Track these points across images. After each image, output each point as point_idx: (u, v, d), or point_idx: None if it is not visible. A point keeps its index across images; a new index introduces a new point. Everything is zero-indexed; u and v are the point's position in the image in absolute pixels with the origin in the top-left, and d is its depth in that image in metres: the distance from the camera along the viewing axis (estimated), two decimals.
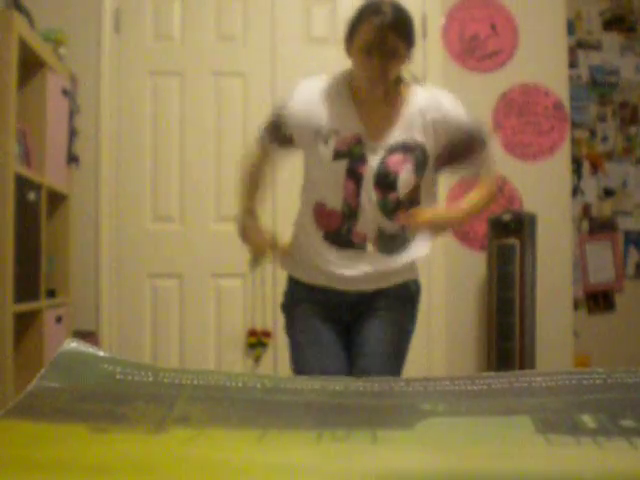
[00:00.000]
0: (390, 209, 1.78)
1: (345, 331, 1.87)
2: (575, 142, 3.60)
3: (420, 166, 1.78)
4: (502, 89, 3.39)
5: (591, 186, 3.71)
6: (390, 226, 1.79)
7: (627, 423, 0.29)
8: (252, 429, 0.29)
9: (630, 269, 3.73)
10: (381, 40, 1.66)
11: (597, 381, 0.33)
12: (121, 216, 3.19)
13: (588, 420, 0.29)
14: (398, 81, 1.82)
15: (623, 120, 3.76)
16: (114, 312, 3.17)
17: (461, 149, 1.82)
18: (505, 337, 3.00)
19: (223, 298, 3.21)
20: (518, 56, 3.40)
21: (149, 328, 3.19)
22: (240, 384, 0.34)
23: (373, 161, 1.75)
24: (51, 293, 2.84)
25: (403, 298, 1.85)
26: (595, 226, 3.71)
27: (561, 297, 3.33)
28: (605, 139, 3.74)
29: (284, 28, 3.27)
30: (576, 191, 3.65)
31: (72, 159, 3.05)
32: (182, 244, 3.20)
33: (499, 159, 3.34)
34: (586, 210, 3.70)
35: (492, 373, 0.35)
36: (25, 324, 2.62)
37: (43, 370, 0.34)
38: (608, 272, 3.71)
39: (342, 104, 1.81)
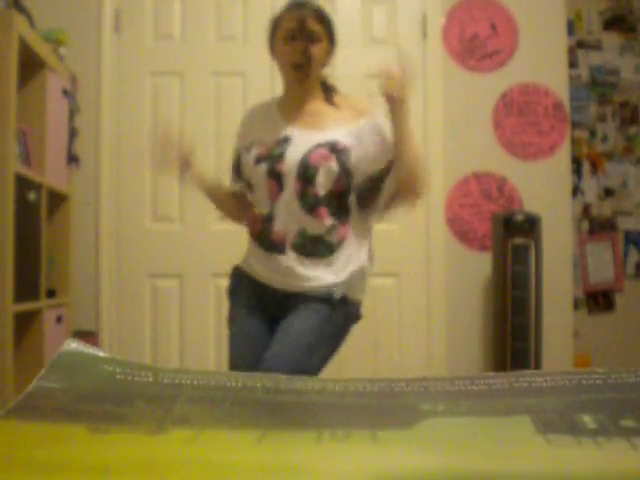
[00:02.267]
0: (309, 204, 1.78)
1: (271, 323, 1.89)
2: (575, 142, 3.60)
3: (345, 172, 1.78)
4: (502, 89, 3.39)
5: (591, 186, 3.71)
6: (312, 226, 1.78)
7: (627, 423, 0.29)
8: (252, 429, 0.29)
9: (630, 269, 3.73)
10: (301, 24, 1.80)
11: (597, 381, 0.33)
12: (121, 216, 3.19)
13: (588, 420, 0.29)
14: (330, 86, 1.93)
15: (623, 120, 3.76)
16: (114, 312, 3.17)
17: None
18: (519, 337, 3.02)
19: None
20: (518, 56, 3.40)
21: (149, 328, 3.19)
22: (240, 384, 0.34)
23: (296, 155, 1.78)
24: (51, 293, 2.84)
25: (324, 300, 1.80)
26: (595, 226, 3.71)
27: (561, 297, 3.33)
28: (605, 139, 3.74)
29: None
30: (576, 191, 3.65)
31: (72, 159, 3.05)
32: (182, 244, 3.20)
33: (499, 159, 3.35)
34: (586, 210, 3.70)
35: (492, 373, 0.35)
36: (25, 324, 2.62)
37: (43, 370, 0.34)
38: (608, 272, 3.71)
39: (270, 115, 1.91)
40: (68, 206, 3.04)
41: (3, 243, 2.31)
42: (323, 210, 1.79)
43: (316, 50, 1.81)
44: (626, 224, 3.73)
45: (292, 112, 1.87)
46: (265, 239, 1.82)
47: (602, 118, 3.74)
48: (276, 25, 1.89)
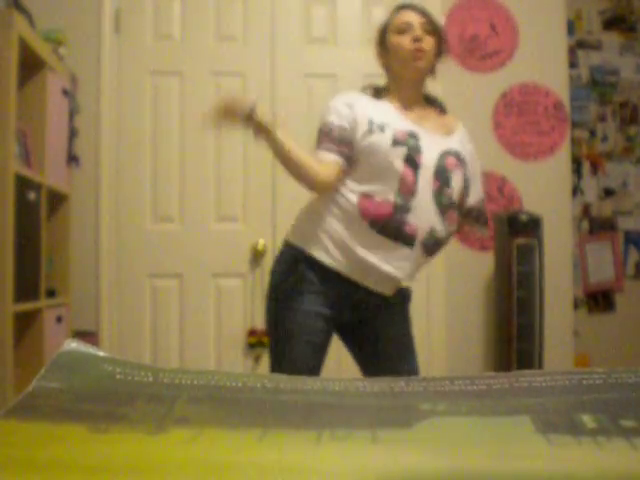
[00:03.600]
0: (444, 204, 1.76)
1: (336, 329, 1.86)
2: (575, 142, 3.60)
3: (466, 181, 1.83)
4: (502, 89, 3.39)
5: (591, 186, 3.71)
6: (441, 228, 1.77)
7: (627, 423, 0.29)
8: (252, 429, 0.29)
9: (630, 269, 3.73)
10: (412, 17, 1.83)
11: (597, 381, 0.33)
12: (121, 216, 3.19)
13: (588, 420, 0.29)
14: (436, 101, 1.94)
15: (623, 120, 3.76)
16: (114, 312, 3.17)
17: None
18: (524, 337, 3.02)
19: (223, 298, 3.21)
20: (518, 56, 3.40)
21: (149, 328, 3.19)
22: (240, 384, 0.34)
23: (431, 153, 1.76)
24: (51, 293, 2.84)
25: (407, 300, 1.90)
26: (595, 226, 3.71)
27: (561, 297, 3.33)
28: (605, 139, 3.74)
29: (284, 28, 3.27)
30: (576, 191, 3.65)
31: (72, 159, 3.05)
32: (182, 244, 3.20)
33: (499, 159, 3.35)
34: (586, 210, 3.70)
35: (492, 373, 0.35)
36: (25, 324, 2.62)
37: (43, 370, 0.34)
38: (608, 272, 3.71)
39: (383, 107, 1.85)
40: (68, 206, 3.04)
41: (3, 243, 2.31)
42: (454, 214, 1.80)
43: (428, 43, 1.83)
44: (626, 224, 3.73)
45: (406, 110, 1.85)
46: (395, 229, 1.73)
47: (602, 118, 3.74)
48: (387, 23, 1.90)
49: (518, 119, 3.40)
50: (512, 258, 3.05)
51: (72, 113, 3.03)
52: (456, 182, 1.78)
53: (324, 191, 1.79)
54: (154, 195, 3.22)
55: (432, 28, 1.84)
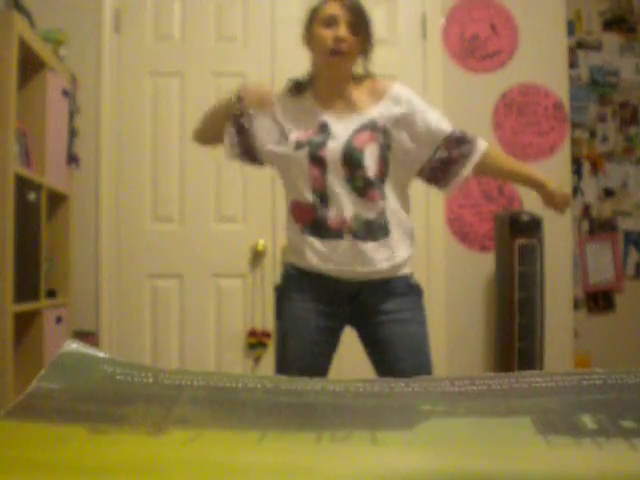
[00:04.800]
0: (360, 187, 1.78)
1: (341, 327, 1.86)
2: (575, 142, 3.60)
3: (385, 148, 1.81)
4: (502, 89, 3.39)
5: (591, 186, 3.71)
6: (366, 209, 1.78)
7: (627, 424, 0.29)
8: (252, 430, 0.29)
9: (630, 269, 3.73)
10: (339, 12, 1.81)
11: (597, 381, 0.33)
12: (121, 216, 3.19)
13: (588, 421, 0.29)
14: (363, 75, 1.92)
15: (623, 120, 3.76)
16: (114, 312, 3.17)
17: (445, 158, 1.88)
18: (525, 338, 3.02)
19: (223, 298, 3.21)
20: (518, 56, 3.40)
21: (149, 328, 3.19)
22: (240, 385, 0.34)
23: (338, 141, 1.78)
24: (51, 293, 2.84)
25: (406, 293, 1.85)
26: (595, 226, 3.71)
27: (561, 297, 3.33)
28: (605, 139, 3.74)
29: (284, 28, 3.26)
30: (576, 191, 3.65)
31: (72, 159, 3.05)
32: (182, 244, 3.20)
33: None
34: (586, 210, 3.70)
35: (492, 374, 0.35)
36: (25, 324, 2.62)
37: (43, 371, 0.34)
38: (608, 272, 3.71)
39: (304, 103, 1.88)
40: (68, 206, 3.04)
41: (3, 243, 2.31)
42: (374, 192, 1.79)
43: (352, 39, 1.82)
44: (626, 224, 3.73)
45: (326, 98, 1.87)
46: (321, 227, 1.78)
47: (602, 118, 3.74)
48: (315, 11, 1.88)
49: (518, 119, 3.40)
50: (513, 258, 3.06)
51: (72, 113, 3.03)
52: (370, 157, 1.78)
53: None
54: (154, 195, 3.22)
55: (358, 26, 1.83)
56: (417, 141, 1.84)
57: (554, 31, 3.43)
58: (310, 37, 1.89)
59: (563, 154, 3.42)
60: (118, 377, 0.34)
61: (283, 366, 1.84)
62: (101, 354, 0.37)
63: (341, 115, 1.83)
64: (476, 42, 3.40)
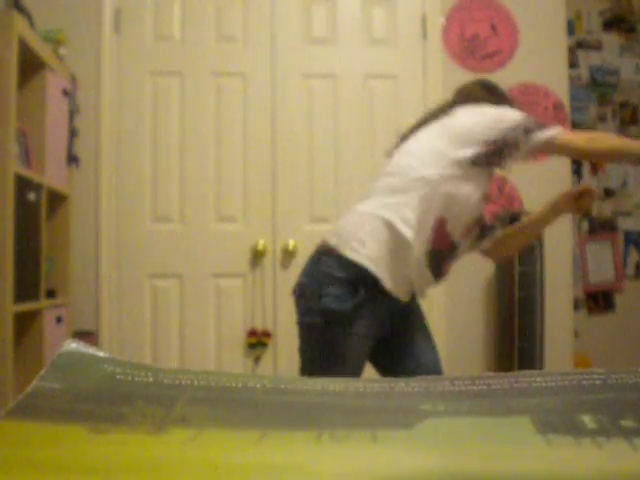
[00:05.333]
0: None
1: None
2: None
3: None
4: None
5: (591, 186, 3.71)
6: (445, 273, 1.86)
7: (627, 423, 0.29)
8: (252, 430, 0.29)
9: (630, 269, 3.73)
10: None
11: (597, 381, 0.33)
12: (121, 216, 3.19)
13: (588, 420, 0.29)
14: None
15: (623, 120, 3.76)
16: (114, 312, 3.17)
17: None
18: (526, 338, 3.03)
19: (223, 298, 3.21)
20: (518, 56, 3.40)
21: (149, 328, 3.19)
22: (240, 385, 0.34)
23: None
24: (51, 293, 2.84)
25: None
26: (595, 226, 3.71)
27: (561, 297, 3.33)
28: None
29: (284, 28, 3.27)
30: None
31: (72, 159, 3.05)
32: (182, 244, 3.20)
33: None
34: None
35: (492, 373, 0.35)
36: (25, 324, 2.62)
37: (43, 371, 0.34)
38: (608, 272, 3.71)
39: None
40: (68, 206, 3.04)
41: (3, 243, 2.31)
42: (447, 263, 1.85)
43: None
44: (626, 224, 3.73)
45: None
46: (438, 261, 1.77)
47: (602, 118, 3.74)
48: None
49: None
50: (513, 258, 3.06)
51: (72, 113, 3.03)
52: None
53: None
54: (154, 195, 3.22)
55: None
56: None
57: (554, 31, 3.43)
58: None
59: None
60: (118, 376, 0.34)
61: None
62: (101, 353, 0.37)
63: None
64: (476, 42, 3.40)
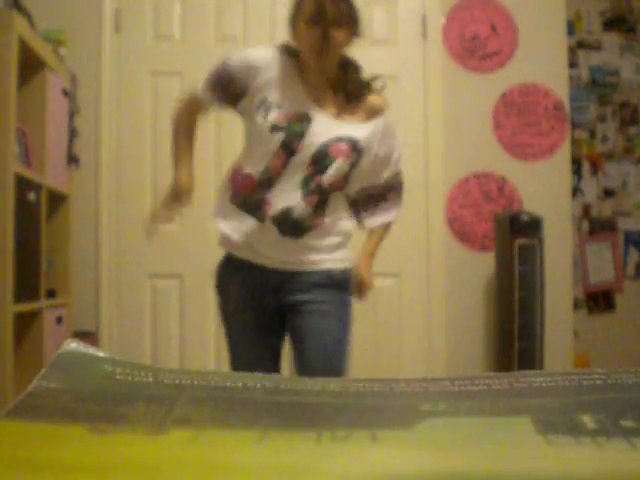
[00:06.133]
0: (309, 190, 1.76)
1: (273, 319, 1.84)
2: (575, 142, 3.60)
3: (351, 172, 1.80)
4: (502, 89, 3.39)
5: (591, 186, 3.71)
6: (300, 211, 1.75)
7: (627, 423, 0.29)
8: (252, 430, 0.29)
9: (630, 269, 3.73)
10: (322, 8, 1.71)
11: (597, 381, 0.33)
12: (121, 216, 3.19)
13: (588, 420, 0.29)
14: (365, 82, 1.87)
15: (623, 120, 3.76)
16: (114, 312, 3.17)
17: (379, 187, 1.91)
18: (525, 337, 3.03)
19: None
20: (518, 56, 3.40)
21: (149, 328, 3.19)
22: (240, 385, 0.34)
23: (315, 140, 1.75)
24: (51, 293, 2.84)
25: (328, 286, 1.82)
26: (595, 226, 3.71)
27: (561, 297, 3.33)
28: (605, 139, 3.74)
29: (284, 28, 3.26)
30: (576, 191, 3.65)
31: (72, 159, 3.05)
32: (182, 244, 3.20)
33: (499, 159, 3.35)
34: (586, 210, 3.70)
35: (492, 373, 0.35)
36: (25, 324, 2.62)
37: (43, 370, 0.34)
38: (608, 272, 3.71)
39: (290, 77, 1.82)
40: (68, 206, 3.04)
41: (3, 243, 2.31)
42: (314, 199, 1.77)
43: (338, 35, 1.73)
44: (626, 224, 3.73)
45: (313, 88, 1.82)
46: (252, 203, 1.78)
47: (602, 118, 3.74)
48: (298, 6, 1.79)
49: (518, 119, 3.40)
50: (513, 258, 3.06)
51: (72, 113, 3.03)
52: (337, 169, 1.76)
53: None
54: (154, 195, 3.22)
55: (346, 19, 1.74)
56: (375, 171, 1.88)
57: (554, 31, 3.43)
58: (295, 35, 1.81)
59: (563, 154, 3.42)
60: (118, 377, 0.34)
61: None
62: (101, 354, 0.37)
63: (326, 113, 1.79)
64: (476, 42, 3.40)
